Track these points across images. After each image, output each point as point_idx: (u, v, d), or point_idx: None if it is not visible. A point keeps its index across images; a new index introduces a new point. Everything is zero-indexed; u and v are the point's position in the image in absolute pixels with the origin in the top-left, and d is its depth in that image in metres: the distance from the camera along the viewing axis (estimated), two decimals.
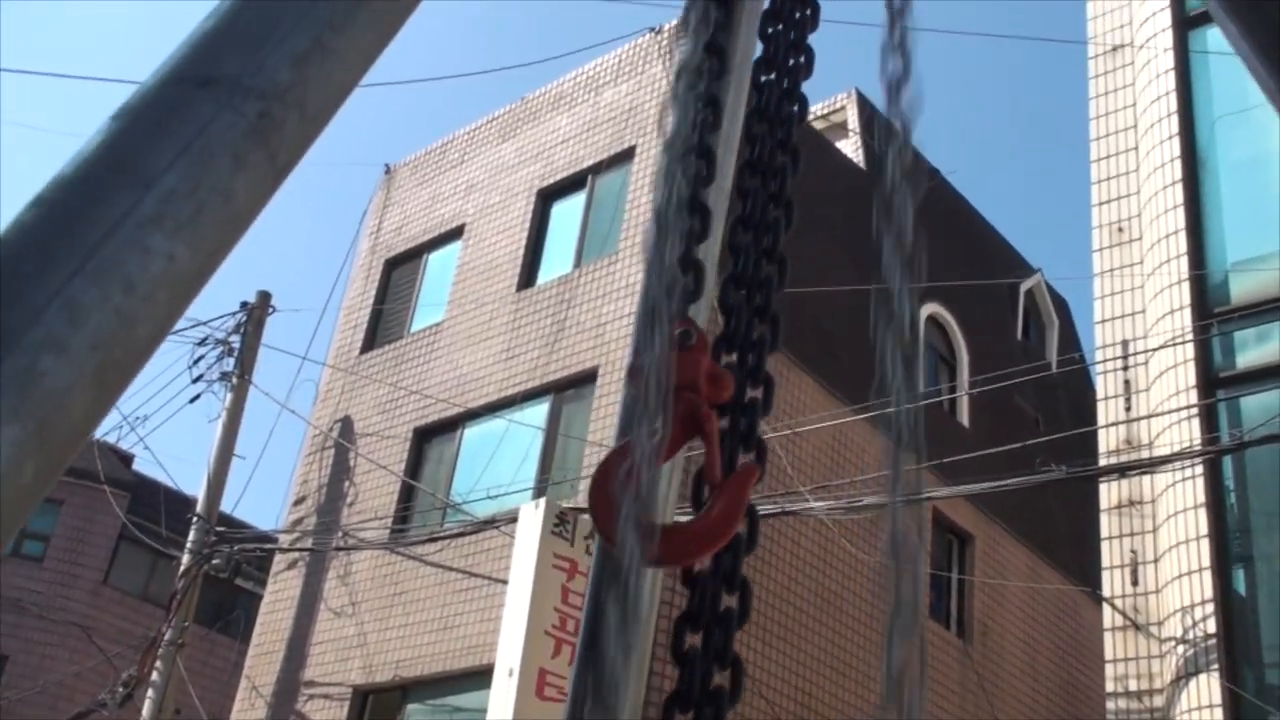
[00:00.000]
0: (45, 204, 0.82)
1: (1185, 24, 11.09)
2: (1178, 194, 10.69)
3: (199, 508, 15.70)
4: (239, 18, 0.98)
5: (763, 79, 2.14)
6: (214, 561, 15.16)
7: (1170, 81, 11.07)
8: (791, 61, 2.18)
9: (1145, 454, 10.16)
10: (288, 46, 0.96)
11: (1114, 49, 11.85)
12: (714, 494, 1.58)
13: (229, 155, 0.90)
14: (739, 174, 2.02)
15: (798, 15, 2.21)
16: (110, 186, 0.85)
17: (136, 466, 26.67)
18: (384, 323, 17.63)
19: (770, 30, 2.17)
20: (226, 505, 16.60)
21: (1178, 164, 10.79)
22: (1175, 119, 10.94)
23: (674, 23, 15.54)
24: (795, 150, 2.08)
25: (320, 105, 0.97)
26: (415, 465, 15.59)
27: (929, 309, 16.96)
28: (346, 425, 16.76)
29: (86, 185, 0.84)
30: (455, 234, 17.27)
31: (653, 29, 16.01)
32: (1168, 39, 11.26)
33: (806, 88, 2.17)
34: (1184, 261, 10.41)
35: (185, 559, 15.33)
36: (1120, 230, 11.19)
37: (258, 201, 0.93)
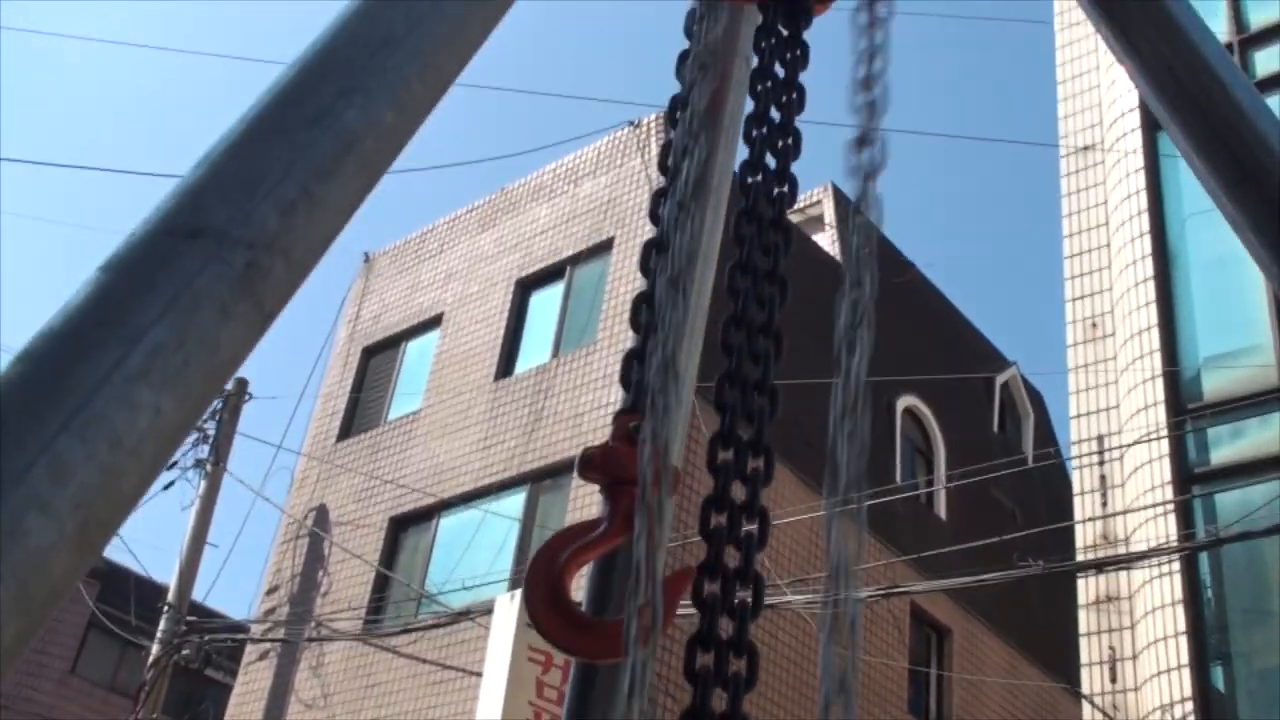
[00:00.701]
0: (33, 359, 0.83)
1: (1154, 125, 11.31)
2: (1149, 291, 10.83)
3: (170, 596, 15.49)
4: (227, 168, 1.00)
5: (749, 181, 2.17)
6: (184, 652, 14.92)
7: (1140, 181, 11.27)
8: (780, 143, 2.21)
9: (1122, 549, 10.17)
10: (275, 196, 0.98)
11: (1084, 149, 12.06)
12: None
13: (216, 307, 0.91)
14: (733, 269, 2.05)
15: (784, 99, 2.25)
16: (97, 341, 0.86)
17: (107, 553, 26.35)
18: (361, 410, 17.58)
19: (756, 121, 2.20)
20: (198, 594, 16.39)
21: (1149, 261, 10.94)
22: (1146, 217, 11.12)
23: (653, 116, 15.76)
24: (787, 230, 2.10)
25: (307, 252, 0.99)
26: (390, 555, 15.46)
27: (905, 401, 17.03)
28: (321, 514, 16.63)
29: (74, 340, 0.86)
30: (434, 322, 17.31)
31: (632, 123, 16.23)
32: (1137, 139, 11.48)
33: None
34: (1157, 357, 10.51)
35: (155, 649, 15.09)
36: (1094, 326, 11.31)
37: (243, 349, 0.94)
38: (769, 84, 2.22)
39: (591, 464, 1.75)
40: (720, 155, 2.22)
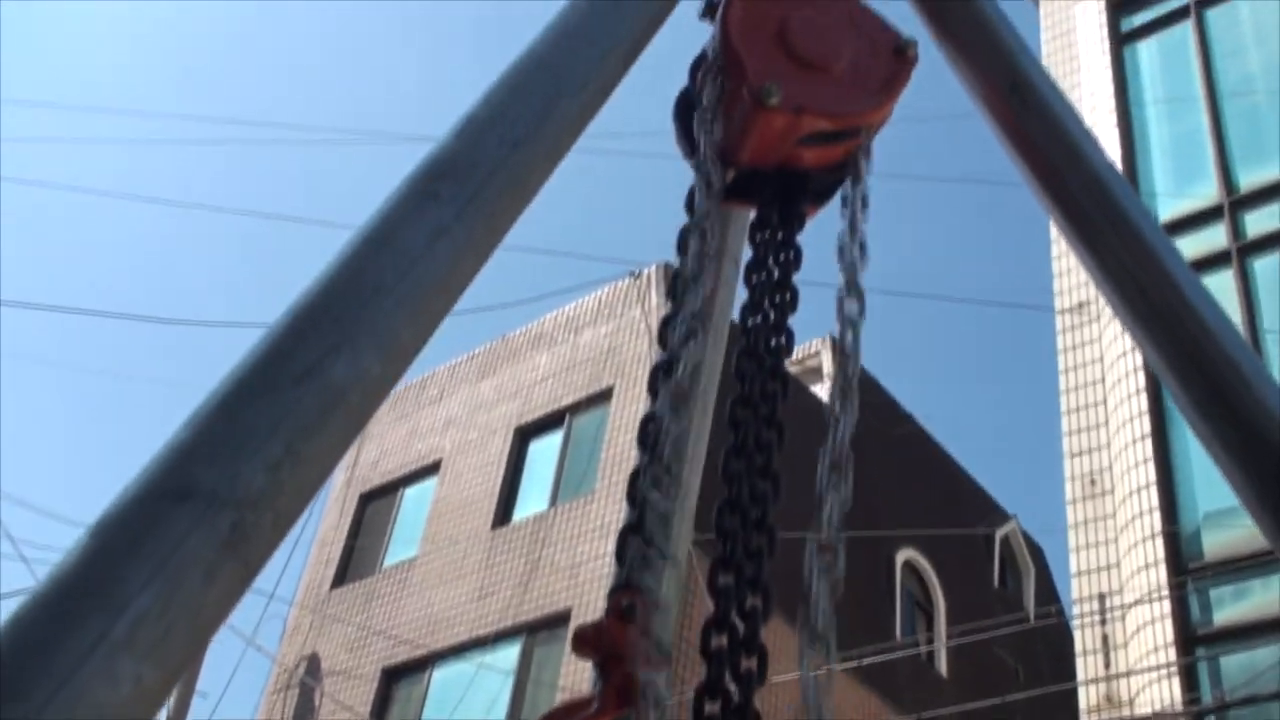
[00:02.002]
0: (22, 626, 0.86)
1: None
2: (1147, 448, 10.85)
3: None
4: (214, 427, 1.03)
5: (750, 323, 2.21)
6: None
7: None
8: (778, 298, 2.25)
9: (1126, 712, 10.00)
10: (262, 455, 1.01)
11: (1079, 306, 12.21)
12: None
13: (202, 570, 0.93)
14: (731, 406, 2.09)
15: (777, 299, 2.29)
16: (84, 611, 0.88)
17: None
18: (356, 557, 17.45)
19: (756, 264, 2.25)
20: None
21: (1146, 418, 10.98)
22: (1141, 374, 11.20)
23: (653, 268, 15.99)
24: (785, 378, 2.14)
25: (291, 506, 1.01)
26: (382, 706, 15.18)
27: (905, 555, 16.91)
28: (313, 663, 16.39)
29: (61, 609, 0.88)
30: (432, 469, 17.29)
31: (632, 273, 16.45)
32: None
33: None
34: (1156, 516, 10.48)
35: None
36: (1093, 482, 11.30)
37: (225, 608, 0.96)
38: (764, 277, 2.27)
39: (585, 641, 1.79)
40: (710, 356, 2.26)
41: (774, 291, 2.28)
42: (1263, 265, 11.37)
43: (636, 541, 1.82)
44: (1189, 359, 1.79)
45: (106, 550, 0.91)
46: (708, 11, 2.25)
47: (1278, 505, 1.70)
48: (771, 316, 2.27)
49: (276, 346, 1.10)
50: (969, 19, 2.11)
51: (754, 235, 2.33)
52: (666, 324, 2.13)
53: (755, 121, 2.12)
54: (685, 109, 2.24)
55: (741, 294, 2.27)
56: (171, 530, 0.93)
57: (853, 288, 2.05)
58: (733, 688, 1.78)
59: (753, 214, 2.35)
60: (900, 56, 2.19)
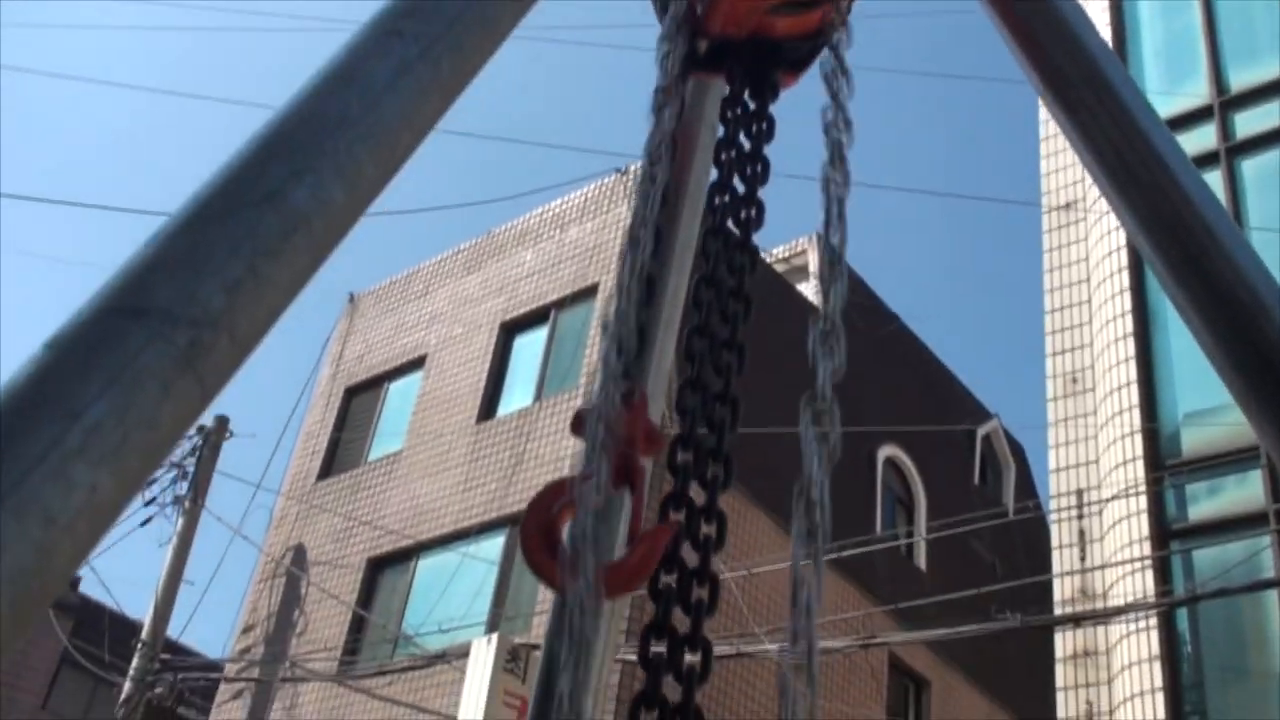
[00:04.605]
0: None
1: None
2: (1129, 347, 10.90)
3: (144, 633, 15.36)
4: (173, 247, 1.02)
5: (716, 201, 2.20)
6: (157, 689, 14.78)
7: (1120, 238, 11.37)
8: (749, 170, 2.24)
9: (1100, 604, 10.18)
10: (221, 275, 1.00)
11: (1066, 206, 12.17)
12: (632, 545, 1.68)
13: (157, 384, 0.92)
14: (695, 287, 2.09)
15: (748, 171, 2.28)
16: (38, 419, 0.88)
17: (83, 589, 26.12)
18: (342, 450, 17.54)
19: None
20: (173, 631, 16.26)
21: (1129, 318, 11.02)
22: (1126, 274, 11.21)
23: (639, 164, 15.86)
24: (748, 299, 2.13)
25: (251, 329, 1.01)
26: (367, 596, 15.38)
27: (887, 452, 17.06)
28: (299, 553, 16.55)
29: (15, 418, 0.87)
30: (417, 364, 17.31)
31: (619, 170, 16.33)
32: None
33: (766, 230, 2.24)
34: (1136, 413, 10.57)
35: (127, 686, 14.95)
36: (1074, 381, 11.37)
37: (181, 425, 0.96)
38: (734, 154, 2.24)
39: (584, 422, 1.85)
40: (684, 222, 2.24)
41: (745, 163, 2.26)
42: (1251, 165, 11.33)
43: (629, 336, 1.85)
44: (1166, 226, 1.78)
45: (61, 362, 0.91)
46: None
47: (1249, 367, 1.70)
48: (741, 190, 2.25)
49: (239, 172, 1.08)
50: None
51: (725, 112, 2.30)
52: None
53: None
54: None
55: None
56: (127, 344, 0.92)
57: (837, 158, 2.00)
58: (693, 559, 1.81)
59: (725, 90, 2.32)
60: None
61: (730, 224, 2.22)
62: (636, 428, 1.74)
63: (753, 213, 2.23)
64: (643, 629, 1.74)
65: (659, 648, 1.71)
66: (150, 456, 0.91)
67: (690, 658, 1.70)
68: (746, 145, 2.26)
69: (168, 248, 1.00)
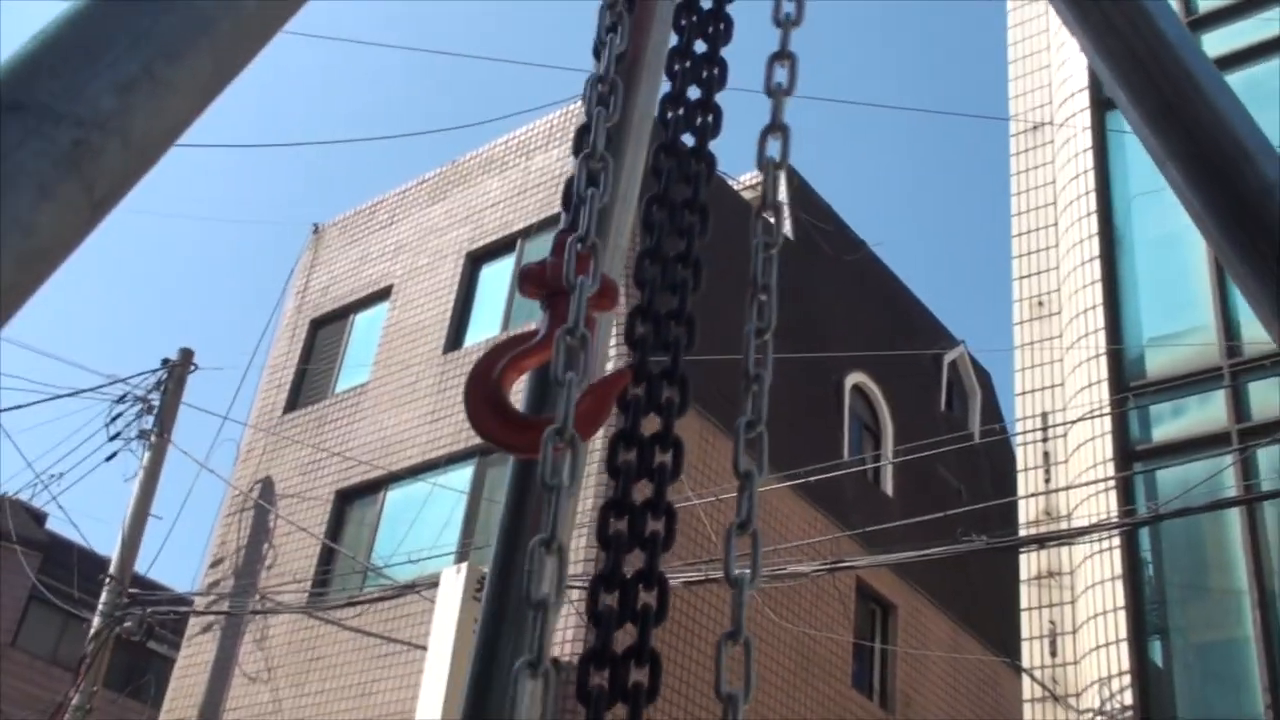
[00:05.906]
0: None
1: (1104, 104, 11.35)
2: (1095, 270, 10.89)
3: (112, 568, 15.30)
4: (62, 41, 0.93)
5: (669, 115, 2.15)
6: (126, 624, 14.75)
7: (1089, 160, 11.31)
8: (699, 120, 2.19)
9: (1064, 525, 10.25)
10: (113, 73, 0.91)
11: (1035, 127, 12.10)
12: (584, 393, 1.68)
13: (33, 185, 0.84)
14: (645, 208, 2.05)
15: (704, 74, 2.21)
16: None
17: (49, 525, 25.99)
18: (308, 383, 17.41)
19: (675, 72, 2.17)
20: (141, 566, 16.21)
21: (1095, 241, 11.00)
22: (1093, 197, 11.17)
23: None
24: (704, 209, 2.08)
25: (147, 136, 0.92)
26: (336, 528, 15.34)
27: (854, 379, 17.07)
28: (267, 486, 16.48)
29: None
30: (383, 295, 17.15)
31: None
32: (1086, 118, 11.53)
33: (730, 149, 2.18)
34: (1102, 336, 10.58)
35: (96, 621, 14.91)
36: (1040, 304, 11.36)
37: (67, 236, 0.87)
38: (688, 62, 2.17)
39: (530, 277, 1.84)
40: (641, 96, 2.17)
41: (701, 67, 2.18)
42: None
43: (583, 189, 1.82)
44: (1144, 73, 1.71)
45: None
46: None
47: (1230, 217, 1.64)
48: (698, 94, 2.18)
49: None
50: None
51: (678, 19, 2.22)
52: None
53: None
54: None
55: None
56: (1, 140, 0.84)
57: (784, 48, 2.01)
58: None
59: None
60: None
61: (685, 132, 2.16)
62: (585, 275, 1.71)
63: (709, 119, 2.16)
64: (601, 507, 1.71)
65: (619, 524, 1.69)
66: (26, 267, 0.83)
67: (645, 596, 1.70)
68: (704, 48, 2.18)
69: (55, 41, 0.91)
